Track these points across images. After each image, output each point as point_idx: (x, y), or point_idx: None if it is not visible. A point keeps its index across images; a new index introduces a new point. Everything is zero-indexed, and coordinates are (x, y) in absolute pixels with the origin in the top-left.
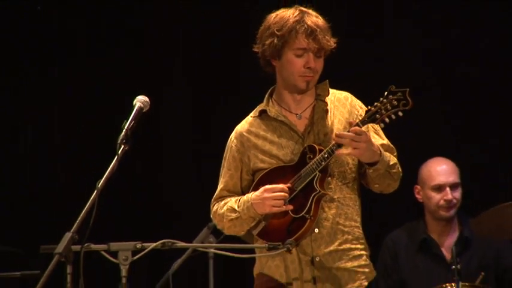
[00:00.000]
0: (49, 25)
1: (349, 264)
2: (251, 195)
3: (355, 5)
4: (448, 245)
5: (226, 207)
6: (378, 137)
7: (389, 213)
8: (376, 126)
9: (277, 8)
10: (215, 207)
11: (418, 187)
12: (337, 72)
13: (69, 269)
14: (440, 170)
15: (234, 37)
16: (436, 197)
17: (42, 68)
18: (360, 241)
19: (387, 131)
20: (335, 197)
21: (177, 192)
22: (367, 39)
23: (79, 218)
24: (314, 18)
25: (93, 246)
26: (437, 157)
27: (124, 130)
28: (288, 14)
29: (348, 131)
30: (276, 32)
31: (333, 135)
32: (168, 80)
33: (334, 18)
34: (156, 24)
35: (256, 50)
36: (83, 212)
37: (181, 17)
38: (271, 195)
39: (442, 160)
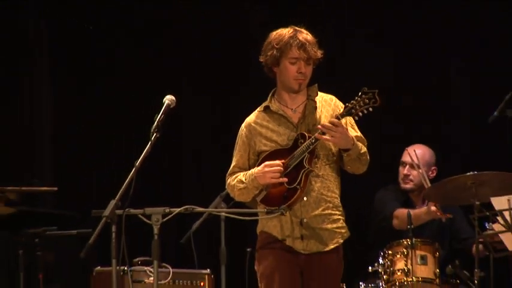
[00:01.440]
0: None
1: (329, 226)
2: (255, 170)
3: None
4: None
5: (237, 179)
6: (353, 130)
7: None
8: (352, 121)
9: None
10: (228, 180)
11: None
12: (323, 79)
13: (113, 228)
14: (411, 151)
15: (243, 43)
16: (400, 170)
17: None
18: (338, 209)
19: (362, 127)
20: (320, 173)
21: (196, 169)
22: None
23: (121, 189)
24: (304, 35)
25: (132, 211)
26: (418, 144)
27: (156, 121)
28: (284, 31)
29: (329, 122)
30: (275, 45)
31: (320, 126)
32: (191, 80)
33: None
34: (176, 29)
35: (261, 60)
36: (125, 184)
37: (201, 20)
38: (270, 169)
39: (417, 145)
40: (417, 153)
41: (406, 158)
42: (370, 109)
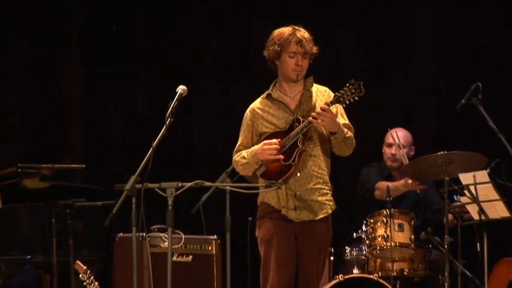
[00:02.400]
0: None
1: (319, 198)
2: (255, 147)
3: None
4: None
5: (240, 156)
6: (342, 118)
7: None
8: (342, 110)
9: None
10: (234, 157)
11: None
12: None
13: (133, 200)
14: (394, 133)
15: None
16: (386, 151)
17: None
18: (327, 184)
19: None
20: (312, 153)
21: (205, 148)
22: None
23: (140, 166)
24: (302, 33)
25: (150, 185)
26: (399, 127)
27: (170, 108)
28: (285, 30)
29: (317, 111)
30: (277, 42)
31: (313, 113)
32: (204, 72)
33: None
34: (190, 30)
35: (264, 54)
36: (143, 162)
37: (211, 25)
38: (268, 147)
39: (399, 128)
40: (399, 135)
41: (390, 139)
42: (356, 98)
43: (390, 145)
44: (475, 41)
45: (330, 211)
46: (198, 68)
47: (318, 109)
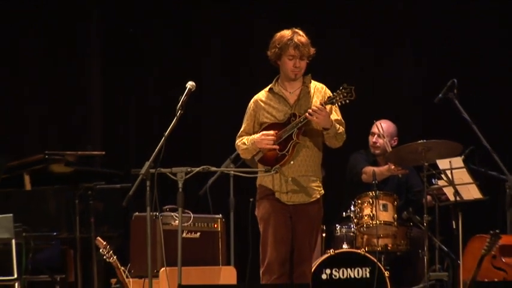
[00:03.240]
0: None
1: (310, 184)
2: (255, 136)
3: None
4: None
5: (241, 141)
6: (335, 114)
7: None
8: (335, 107)
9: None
10: (237, 141)
11: None
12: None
13: (148, 183)
14: (378, 124)
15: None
16: (370, 139)
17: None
18: (317, 173)
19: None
20: (306, 144)
21: (211, 136)
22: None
23: (154, 153)
24: (300, 37)
25: (162, 170)
26: (384, 119)
27: (180, 102)
28: (285, 33)
29: (313, 109)
30: (277, 45)
31: (310, 110)
32: (213, 67)
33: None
34: (197, 29)
35: (268, 54)
36: (156, 149)
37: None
38: (266, 138)
39: (383, 120)
40: (383, 126)
41: (374, 129)
42: (347, 101)
43: (374, 134)
44: (455, 38)
45: (319, 196)
46: (204, 64)
47: (315, 105)
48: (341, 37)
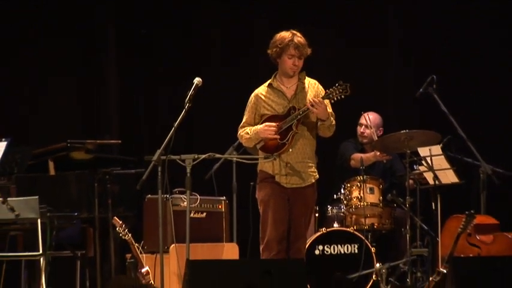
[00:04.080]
0: None
1: (306, 170)
2: (258, 127)
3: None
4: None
5: (244, 131)
6: (328, 107)
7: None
8: (327, 101)
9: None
10: (239, 131)
11: None
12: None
13: (159, 169)
14: (366, 116)
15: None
16: (358, 129)
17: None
18: (313, 159)
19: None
20: (304, 134)
21: (217, 126)
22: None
23: (165, 142)
24: (299, 38)
25: (172, 157)
26: (371, 111)
27: (188, 96)
28: (285, 35)
29: (315, 101)
30: (278, 45)
31: (307, 101)
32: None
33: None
34: (197, 29)
35: (268, 52)
36: (167, 138)
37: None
38: (268, 128)
39: (370, 112)
40: (370, 118)
41: (362, 120)
42: (342, 97)
43: (362, 125)
44: (436, 36)
45: (314, 180)
46: (210, 59)
47: (316, 98)
48: (329, 37)
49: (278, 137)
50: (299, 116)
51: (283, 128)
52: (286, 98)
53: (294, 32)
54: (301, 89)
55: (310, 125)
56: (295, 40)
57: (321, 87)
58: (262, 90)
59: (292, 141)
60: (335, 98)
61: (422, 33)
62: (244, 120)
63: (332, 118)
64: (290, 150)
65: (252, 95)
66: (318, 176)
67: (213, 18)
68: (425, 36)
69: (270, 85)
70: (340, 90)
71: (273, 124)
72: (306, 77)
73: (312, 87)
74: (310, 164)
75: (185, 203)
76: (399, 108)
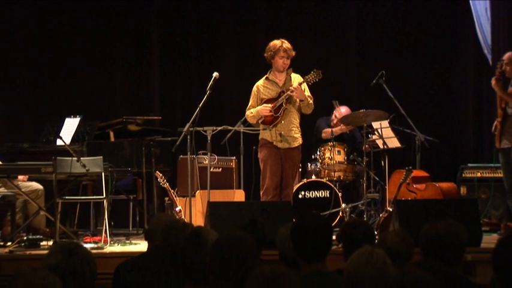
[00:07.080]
0: None
1: (294, 135)
2: (258, 107)
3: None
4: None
5: (250, 111)
6: (307, 91)
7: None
8: (306, 87)
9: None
10: (247, 112)
11: None
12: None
13: (188, 137)
14: (339, 109)
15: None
16: (333, 117)
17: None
18: (298, 128)
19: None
20: (291, 110)
21: (231, 107)
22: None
23: (192, 117)
24: (286, 44)
25: (197, 128)
26: (344, 105)
27: (209, 86)
28: (277, 42)
29: (294, 87)
30: (272, 50)
31: (291, 88)
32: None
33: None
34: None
35: (265, 55)
36: (194, 114)
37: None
38: (266, 108)
39: (344, 106)
40: (342, 111)
41: (336, 113)
42: (317, 80)
43: (335, 116)
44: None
45: (298, 144)
46: (224, 57)
47: (294, 86)
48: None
49: (272, 113)
50: (287, 97)
51: (276, 106)
52: (278, 86)
53: (283, 40)
54: (288, 80)
55: (295, 103)
56: (284, 46)
57: (302, 78)
58: (261, 82)
59: (284, 115)
60: (310, 82)
61: (375, 37)
62: (250, 104)
63: (310, 99)
64: (282, 122)
65: (255, 85)
66: (302, 140)
67: (229, 33)
68: (378, 40)
69: (266, 78)
70: (314, 76)
71: (269, 105)
72: (292, 72)
73: (296, 78)
74: (297, 131)
75: (207, 161)
76: (360, 94)
